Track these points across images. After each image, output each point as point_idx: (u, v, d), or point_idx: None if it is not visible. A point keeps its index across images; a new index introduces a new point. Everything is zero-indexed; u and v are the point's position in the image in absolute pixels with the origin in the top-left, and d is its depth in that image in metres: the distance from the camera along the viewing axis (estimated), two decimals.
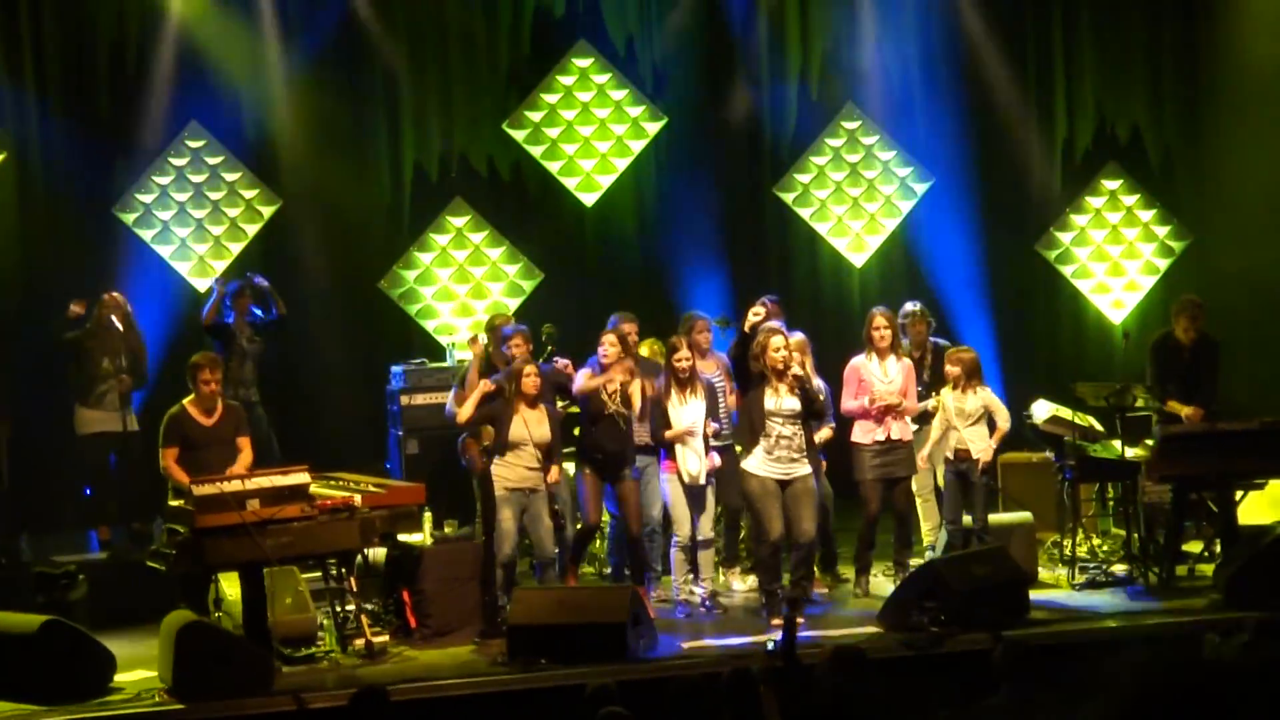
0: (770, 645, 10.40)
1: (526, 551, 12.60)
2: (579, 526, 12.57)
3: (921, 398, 13.01)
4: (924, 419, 13.07)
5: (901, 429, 12.64)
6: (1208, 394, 13.22)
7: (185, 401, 11.93)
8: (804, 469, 11.88)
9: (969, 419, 12.59)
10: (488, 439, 12.17)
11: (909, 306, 13.64)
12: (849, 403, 12.67)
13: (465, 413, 12.08)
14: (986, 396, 12.65)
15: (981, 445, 12.54)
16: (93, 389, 13.98)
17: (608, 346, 12.43)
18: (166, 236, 15.72)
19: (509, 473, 11.93)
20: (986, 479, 12.76)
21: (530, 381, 12.00)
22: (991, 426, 12.60)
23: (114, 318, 13.84)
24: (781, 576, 11.99)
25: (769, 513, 11.85)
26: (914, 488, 13.18)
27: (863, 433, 12.65)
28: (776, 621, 11.73)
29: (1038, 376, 16.04)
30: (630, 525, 12.42)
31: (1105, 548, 13.47)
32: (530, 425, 11.96)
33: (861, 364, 12.75)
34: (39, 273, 15.07)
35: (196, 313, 15.10)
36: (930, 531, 13.28)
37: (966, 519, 12.64)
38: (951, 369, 12.66)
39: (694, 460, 12.28)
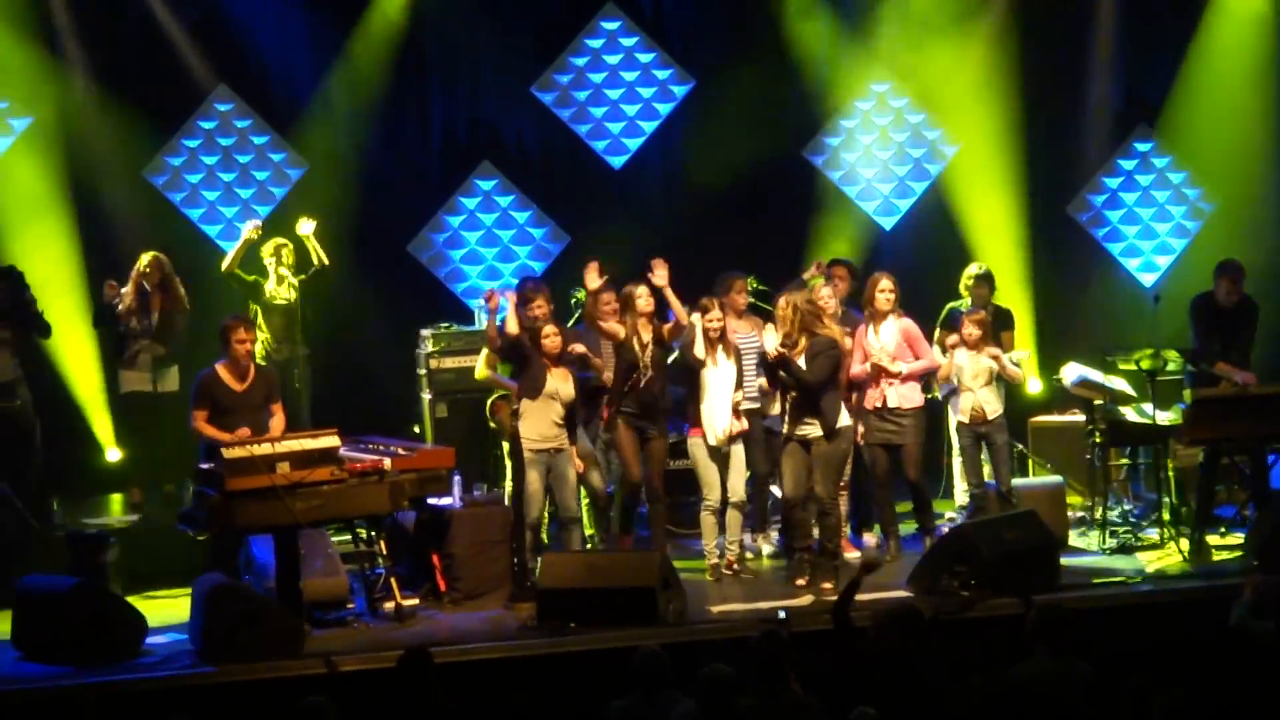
0: (781, 614, 10.43)
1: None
2: (621, 486, 12.57)
3: None
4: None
5: (900, 396, 12.56)
6: (1245, 356, 13.15)
7: (217, 365, 11.91)
8: (815, 431, 11.84)
9: (981, 380, 12.59)
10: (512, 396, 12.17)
11: (972, 269, 13.67)
12: (855, 368, 12.63)
13: (512, 326, 12.05)
14: (994, 354, 12.65)
15: (995, 406, 12.55)
16: (126, 349, 13.99)
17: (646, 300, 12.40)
18: (195, 200, 15.73)
19: (534, 432, 11.93)
20: (1009, 440, 12.76)
21: (551, 342, 12.00)
22: (1001, 385, 12.67)
23: (145, 282, 13.85)
24: (809, 536, 11.99)
25: (783, 471, 11.97)
26: (955, 446, 13.16)
27: (865, 398, 12.62)
28: (801, 582, 11.76)
29: (1069, 340, 15.97)
30: (653, 486, 12.42)
31: (1136, 512, 13.43)
32: (557, 381, 11.98)
33: (860, 331, 12.70)
34: (69, 236, 15.06)
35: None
36: (963, 493, 13.28)
37: (991, 482, 12.67)
38: (973, 332, 12.62)
39: (720, 421, 12.25)
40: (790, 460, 11.93)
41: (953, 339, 12.85)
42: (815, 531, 12.12)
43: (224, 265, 14.16)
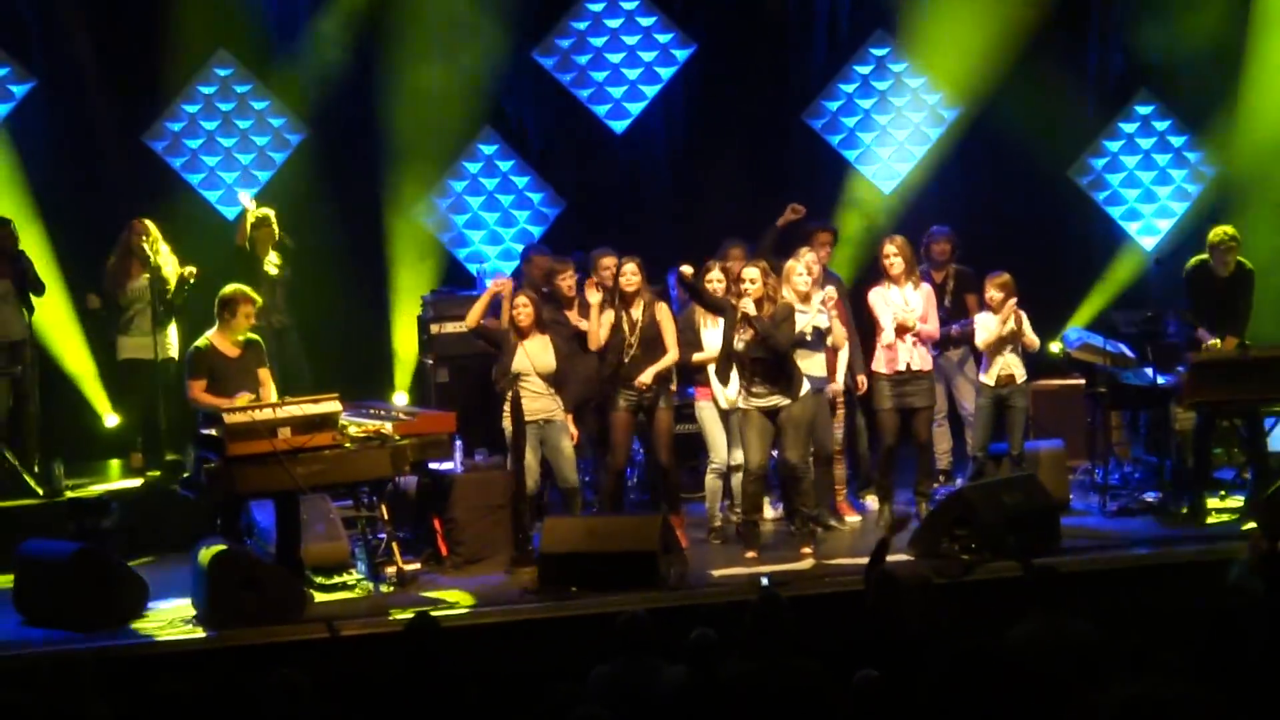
0: (764, 581, 10.46)
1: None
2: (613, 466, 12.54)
3: (944, 322, 13.00)
4: (945, 344, 13.12)
5: (921, 359, 12.56)
6: (1241, 323, 13.19)
7: (210, 334, 11.88)
8: (785, 399, 11.73)
9: (1008, 343, 12.58)
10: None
11: (934, 228, 13.68)
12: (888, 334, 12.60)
13: (471, 317, 12.11)
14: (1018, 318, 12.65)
15: (1021, 370, 12.54)
16: (123, 315, 13.96)
17: (629, 275, 12.36)
18: (196, 165, 15.72)
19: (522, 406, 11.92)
20: (1027, 405, 12.77)
21: (523, 313, 11.97)
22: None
23: (144, 244, 13.82)
24: (761, 508, 12.04)
25: (748, 443, 11.82)
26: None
27: (881, 363, 12.59)
28: (751, 554, 11.73)
29: (1069, 303, 15.96)
30: (660, 454, 12.39)
31: (1136, 475, 13.45)
32: (531, 355, 11.96)
33: (881, 294, 12.67)
34: (69, 201, 15.06)
35: (225, 241, 15.15)
36: (944, 455, 13.32)
37: (997, 445, 12.66)
38: (996, 294, 12.59)
39: (729, 384, 12.23)
40: (755, 431, 11.79)
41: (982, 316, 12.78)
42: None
43: (238, 241, 14.17)
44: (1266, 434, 12.89)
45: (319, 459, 11.02)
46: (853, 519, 12.74)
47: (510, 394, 11.89)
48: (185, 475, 11.69)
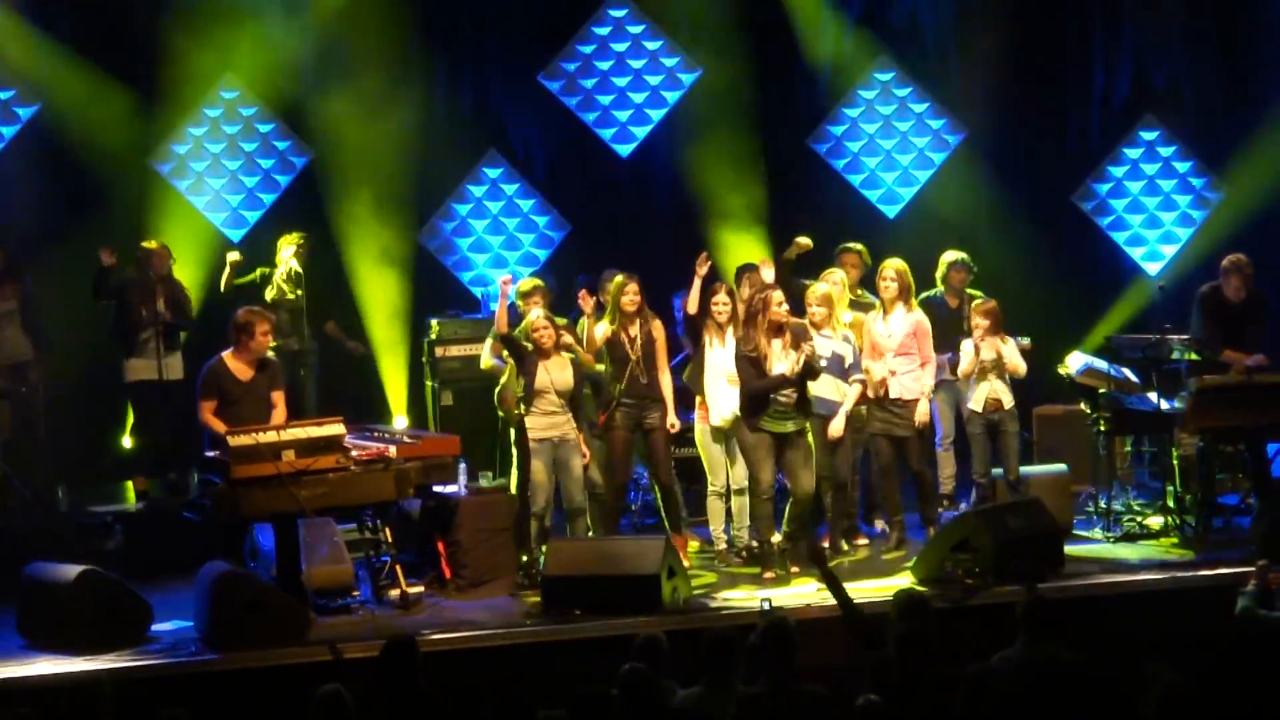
0: (764, 605, 10.44)
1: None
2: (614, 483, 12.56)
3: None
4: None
5: (900, 386, 12.51)
6: (1255, 348, 13.14)
7: (224, 355, 11.90)
8: (799, 425, 11.80)
9: (991, 371, 12.57)
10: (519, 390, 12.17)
11: (949, 255, 13.66)
12: (865, 361, 12.57)
13: (499, 324, 12.14)
14: (1009, 347, 12.62)
15: (1008, 395, 12.52)
16: (135, 337, 13.94)
17: (633, 295, 12.39)
18: (201, 187, 15.72)
19: (536, 423, 11.94)
20: (1019, 429, 12.76)
21: (544, 335, 11.98)
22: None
23: (151, 271, 13.80)
24: (774, 528, 11.98)
25: (758, 462, 11.80)
26: (937, 436, 13.19)
27: (868, 388, 12.58)
28: (769, 575, 11.73)
29: (1073, 329, 15.96)
30: (660, 474, 12.39)
31: (1140, 501, 13.44)
32: (552, 372, 11.97)
33: (871, 319, 12.69)
34: (74, 224, 15.08)
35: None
36: (948, 479, 13.31)
37: (996, 470, 12.64)
38: (981, 321, 12.61)
39: (725, 404, 12.21)
40: (765, 450, 11.78)
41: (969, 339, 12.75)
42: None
43: (222, 288, 14.12)
44: (1270, 460, 12.88)
45: (323, 482, 11.05)
46: (862, 542, 12.73)
47: (518, 417, 11.90)
48: (190, 498, 11.69)
